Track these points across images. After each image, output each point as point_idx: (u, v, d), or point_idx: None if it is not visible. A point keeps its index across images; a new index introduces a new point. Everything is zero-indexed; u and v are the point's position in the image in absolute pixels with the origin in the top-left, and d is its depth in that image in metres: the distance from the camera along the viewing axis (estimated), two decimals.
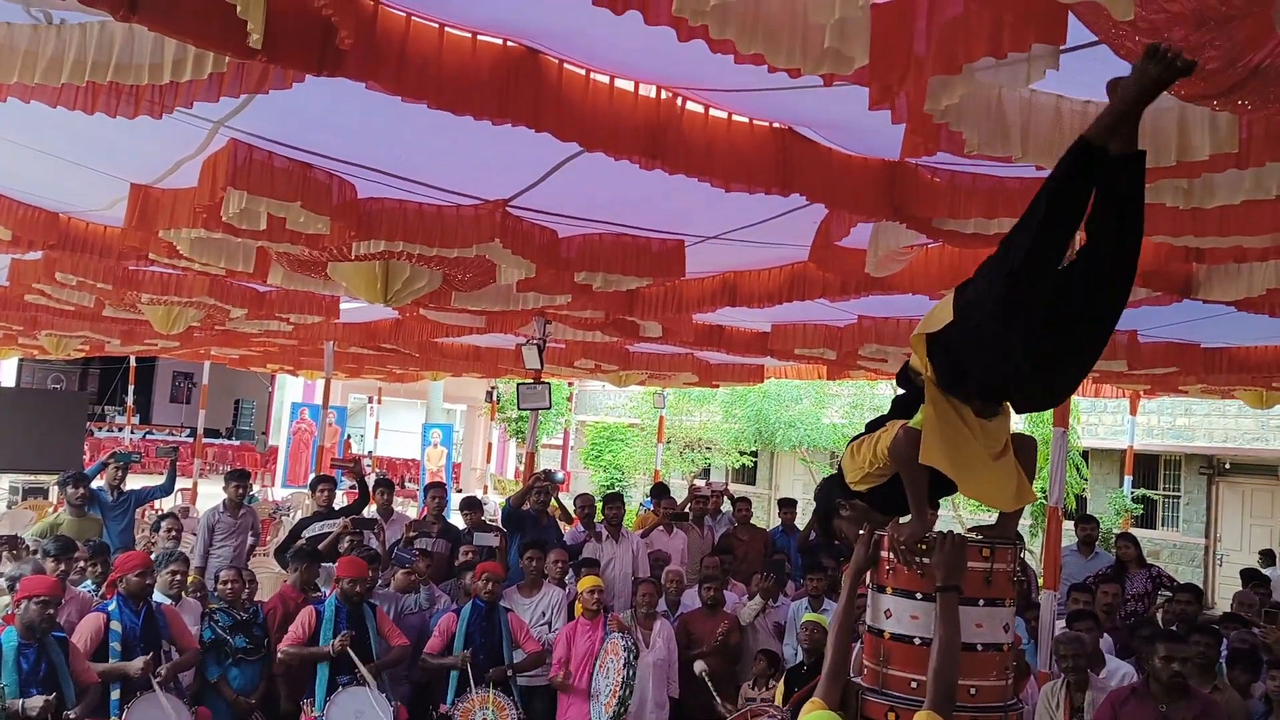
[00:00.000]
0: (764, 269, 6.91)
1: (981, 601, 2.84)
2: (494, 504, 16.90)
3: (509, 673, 6.17)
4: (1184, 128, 3.07)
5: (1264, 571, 13.96)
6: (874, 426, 3.19)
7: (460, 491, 17.02)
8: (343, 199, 4.98)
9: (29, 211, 6.24)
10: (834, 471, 3.43)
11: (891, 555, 2.95)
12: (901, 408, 3.12)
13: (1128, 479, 13.95)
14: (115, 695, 5.23)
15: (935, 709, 2.62)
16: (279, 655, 5.98)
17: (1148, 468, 18.48)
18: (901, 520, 3.01)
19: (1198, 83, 2.43)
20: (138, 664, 5.28)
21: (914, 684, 2.81)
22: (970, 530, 3.03)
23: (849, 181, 4.37)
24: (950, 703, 2.65)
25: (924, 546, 2.86)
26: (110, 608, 5.49)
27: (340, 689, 5.73)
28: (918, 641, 2.84)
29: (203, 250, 5.87)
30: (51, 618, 4.90)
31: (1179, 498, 18.73)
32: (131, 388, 19.01)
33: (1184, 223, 4.07)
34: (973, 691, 2.79)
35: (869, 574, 3.07)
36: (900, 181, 4.47)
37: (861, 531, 3.08)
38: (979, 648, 2.82)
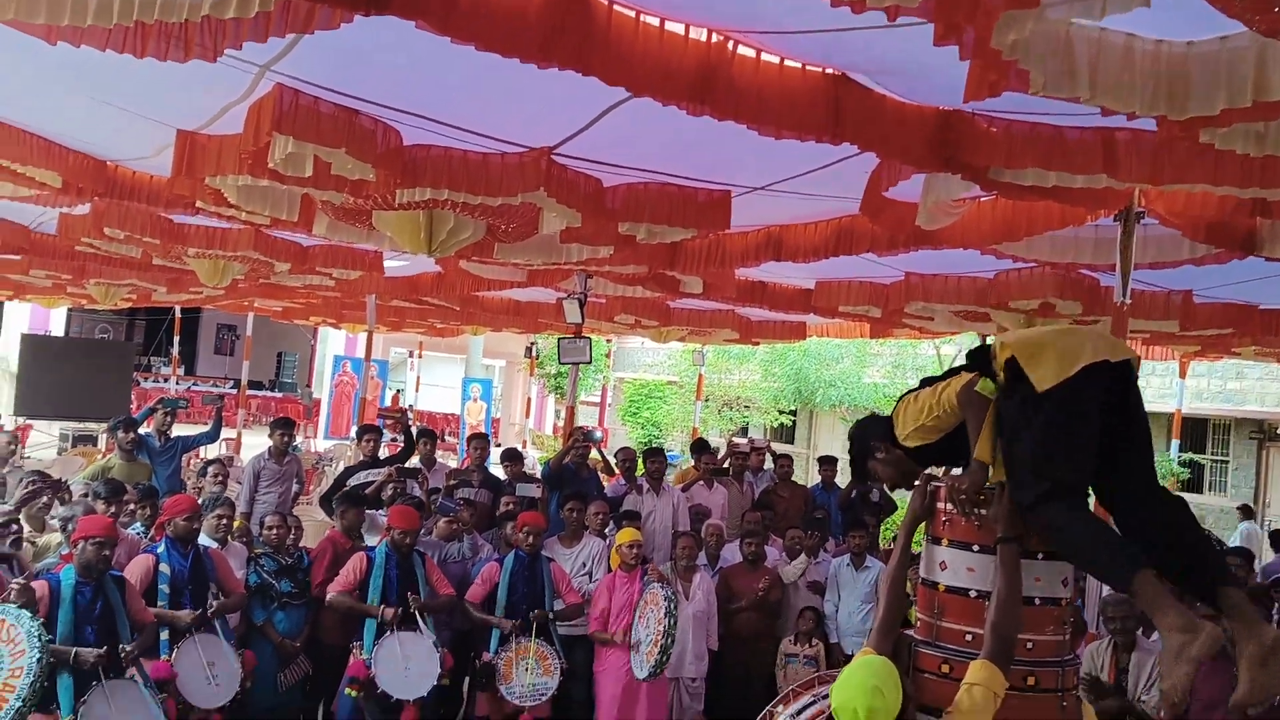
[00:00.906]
0: (810, 222, 6.80)
1: (1040, 555, 2.78)
2: (533, 459, 16.99)
3: (550, 617, 6.19)
4: (1262, 66, 2.94)
5: (1241, 525, 13.95)
6: (927, 384, 3.15)
7: (500, 447, 17.13)
8: (388, 145, 4.94)
9: (78, 159, 6.26)
10: (871, 413, 3.38)
11: (948, 506, 2.90)
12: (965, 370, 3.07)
13: (1175, 442, 13.73)
14: (164, 636, 5.31)
15: (993, 660, 2.57)
16: (328, 601, 6.05)
17: (1196, 431, 18.19)
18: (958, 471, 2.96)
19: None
20: (186, 616, 5.35)
21: (969, 636, 2.76)
22: None
23: (902, 130, 4.25)
24: (1009, 656, 2.61)
25: (983, 498, 2.81)
26: (159, 550, 5.56)
27: (388, 633, 5.79)
28: (973, 594, 2.80)
29: (248, 198, 5.87)
30: (108, 558, 4.94)
31: (1227, 462, 18.44)
32: (176, 339, 19.22)
33: (1253, 173, 3.93)
34: (1029, 645, 2.73)
35: (924, 525, 3.02)
36: (955, 130, 4.34)
37: (917, 482, 3.03)
38: (1037, 601, 2.76)
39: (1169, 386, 15.61)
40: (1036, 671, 2.72)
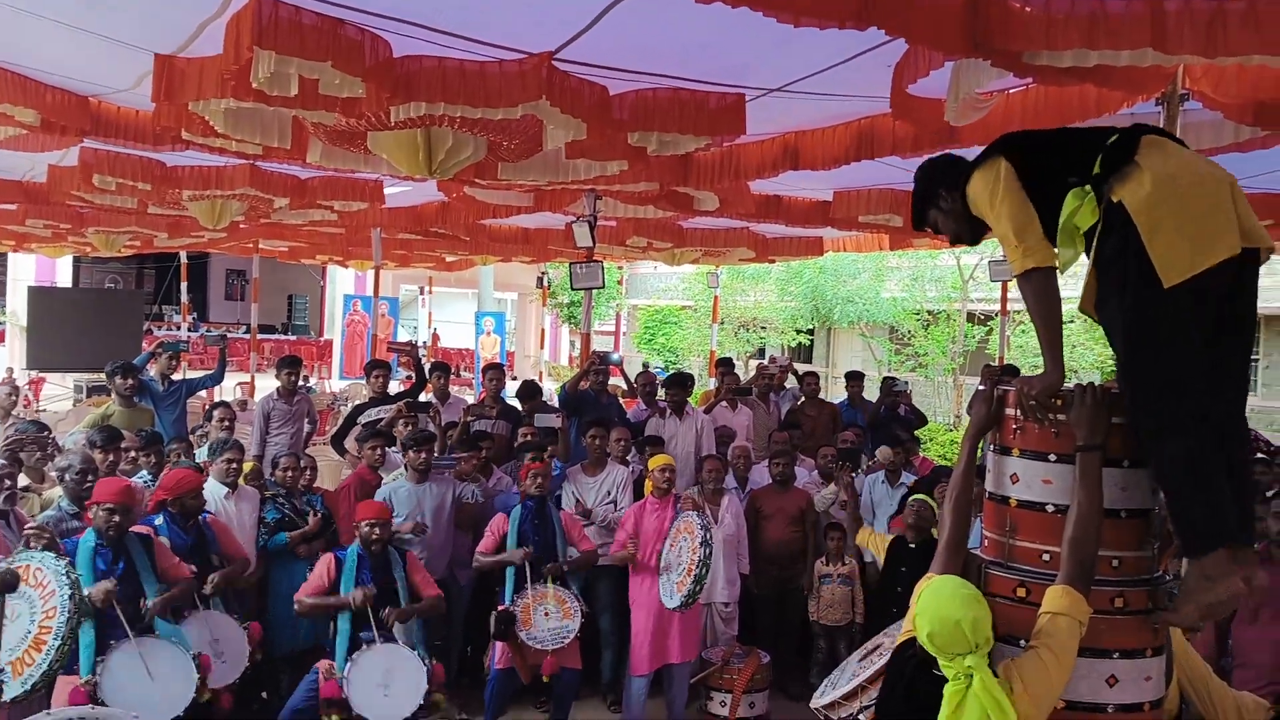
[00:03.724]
0: (828, 127, 6.44)
1: (1126, 462, 2.49)
2: (549, 390, 16.78)
3: (565, 569, 5.90)
4: None
5: None
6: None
7: (516, 380, 16.97)
8: (376, 58, 4.59)
9: (58, 95, 5.95)
10: (946, 154, 3.01)
11: (1018, 413, 2.60)
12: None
13: None
14: None
15: (1071, 584, 2.31)
16: (295, 607, 5.44)
17: None
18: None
19: None
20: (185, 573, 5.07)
21: (1045, 556, 2.49)
22: (1111, 383, 2.64)
23: (932, 12, 3.90)
24: (1089, 576, 2.34)
25: (1059, 401, 2.52)
26: (156, 523, 5.19)
27: (364, 647, 5.11)
28: (1050, 509, 2.51)
29: (236, 124, 5.55)
30: (119, 524, 4.66)
31: (1257, 360, 18.11)
32: (184, 285, 18.95)
33: None
34: (1115, 563, 2.46)
35: (990, 435, 2.72)
36: (986, 11, 4.00)
37: (981, 386, 2.72)
38: (1122, 514, 2.48)
39: None
40: (1125, 592, 2.45)
